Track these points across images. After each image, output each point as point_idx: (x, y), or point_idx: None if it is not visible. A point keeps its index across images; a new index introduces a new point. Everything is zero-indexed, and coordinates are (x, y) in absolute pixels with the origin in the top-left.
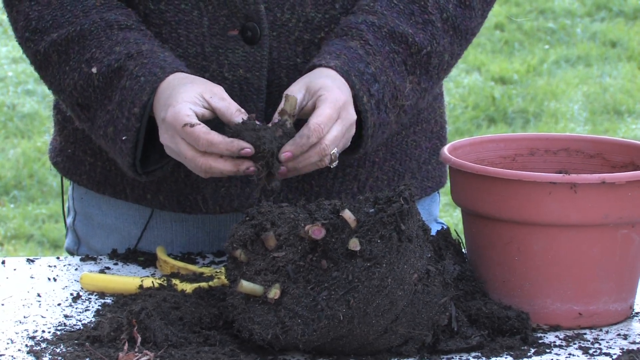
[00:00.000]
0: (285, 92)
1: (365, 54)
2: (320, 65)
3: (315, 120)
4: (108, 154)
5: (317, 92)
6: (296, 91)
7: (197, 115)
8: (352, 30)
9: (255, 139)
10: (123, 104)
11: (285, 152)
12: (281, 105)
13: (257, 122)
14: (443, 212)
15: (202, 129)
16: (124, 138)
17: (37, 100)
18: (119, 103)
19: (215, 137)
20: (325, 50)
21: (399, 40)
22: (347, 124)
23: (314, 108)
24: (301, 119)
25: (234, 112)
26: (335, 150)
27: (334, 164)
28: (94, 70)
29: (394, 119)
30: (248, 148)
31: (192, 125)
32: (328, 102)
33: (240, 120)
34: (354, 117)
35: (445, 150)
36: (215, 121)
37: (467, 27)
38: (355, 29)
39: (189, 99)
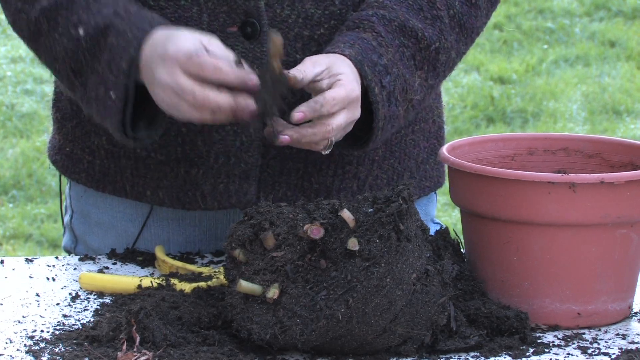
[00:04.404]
0: (270, 33)
1: (378, 46)
2: (334, 53)
3: (332, 94)
4: (101, 122)
5: (337, 76)
6: (318, 61)
7: None
8: (363, 22)
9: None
10: (111, 62)
11: (299, 112)
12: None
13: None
14: (442, 212)
15: (210, 56)
16: (113, 96)
17: (35, 100)
18: (107, 62)
19: (223, 63)
20: (338, 40)
21: (408, 34)
22: (351, 118)
23: (327, 88)
24: (306, 94)
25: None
26: (334, 138)
27: (327, 151)
28: (81, 32)
29: (403, 113)
30: (255, 80)
31: (198, 55)
32: (345, 88)
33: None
34: (358, 115)
35: (444, 149)
36: None
37: (473, 26)
38: (367, 21)
39: (190, 38)
